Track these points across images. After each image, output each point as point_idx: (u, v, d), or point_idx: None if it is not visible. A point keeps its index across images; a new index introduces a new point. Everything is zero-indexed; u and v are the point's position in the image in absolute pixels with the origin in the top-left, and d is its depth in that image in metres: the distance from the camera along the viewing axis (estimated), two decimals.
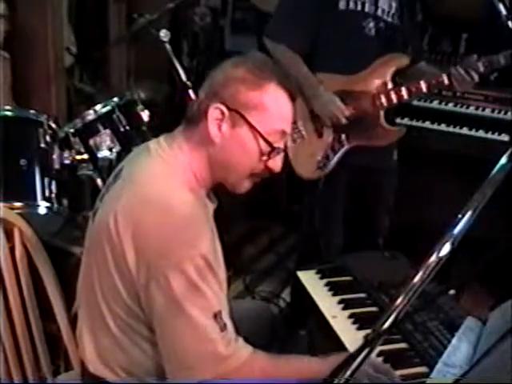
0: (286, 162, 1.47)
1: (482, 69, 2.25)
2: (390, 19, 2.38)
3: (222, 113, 1.37)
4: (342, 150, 2.40)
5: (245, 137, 1.38)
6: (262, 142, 1.38)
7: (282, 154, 1.44)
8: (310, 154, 2.39)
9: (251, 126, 1.37)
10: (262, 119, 1.38)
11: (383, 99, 2.34)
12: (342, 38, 2.35)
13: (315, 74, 2.36)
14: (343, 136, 2.39)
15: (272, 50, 2.38)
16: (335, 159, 2.40)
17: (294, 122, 2.32)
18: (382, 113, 2.36)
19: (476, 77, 2.25)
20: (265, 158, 1.40)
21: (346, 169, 2.44)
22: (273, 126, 1.39)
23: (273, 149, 1.39)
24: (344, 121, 2.34)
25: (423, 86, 2.31)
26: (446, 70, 2.31)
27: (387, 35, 2.38)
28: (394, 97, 2.33)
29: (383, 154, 2.51)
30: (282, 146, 1.42)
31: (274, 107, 1.39)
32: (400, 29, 2.42)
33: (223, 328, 1.31)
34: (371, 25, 2.35)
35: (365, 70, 2.36)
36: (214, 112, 1.37)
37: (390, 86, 2.36)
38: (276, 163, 1.43)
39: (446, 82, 2.29)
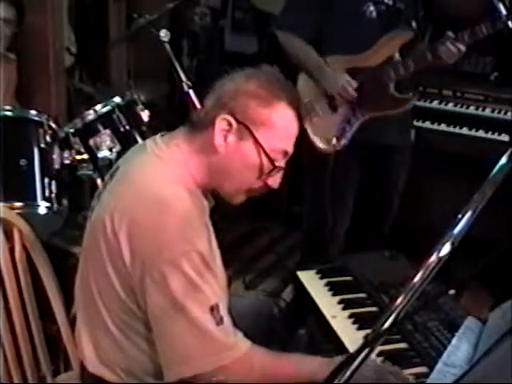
0: (285, 173, 1.47)
1: (467, 39, 2.29)
2: (391, 2, 2.45)
3: (230, 124, 1.37)
4: (358, 122, 2.46)
5: (249, 151, 1.39)
6: (264, 158, 1.39)
7: (281, 172, 1.44)
8: (327, 129, 2.47)
9: (257, 142, 1.38)
10: (269, 137, 1.38)
11: (391, 71, 2.40)
12: (344, 24, 2.42)
13: (324, 59, 2.45)
14: (357, 108, 2.45)
15: (282, 40, 2.50)
16: (352, 131, 2.46)
17: (310, 102, 2.47)
18: (391, 84, 2.42)
19: (463, 47, 2.29)
20: (264, 175, 1.41)
21: (362, 146, 2.49)
22: (277, 145, 1.40)
23: (274, 167, 1.40)
24: (353, 93, 2.41)
25: (428, 56, 2.34)
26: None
27: (389, 16, 2.44)
28: (401, 68, 2.39)
29: (400, 130, 2.57)
30: (282, 165, 1.43)
31: (281, 126, 1.40)
32: (401, 9, 2.47)
33: (219, 322, 1.31)
34: (372, 8, 2.42)
35: (372, 47, 2.42)
36: (222, 122, 1.37)
37: (397, 57, 2.42)
38: (275, 180, 1.44)
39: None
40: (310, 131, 2.47)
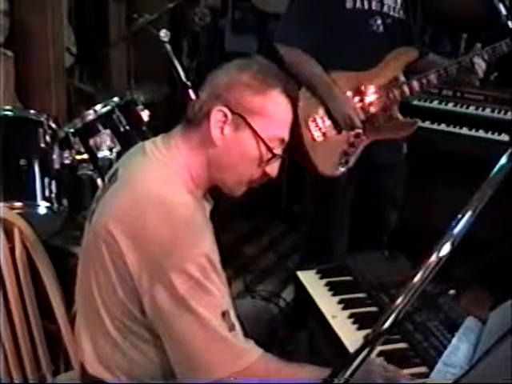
0: (283, 165, 1.48)
1: (486, 56, 2.29)
2: (396, 14, 2.43)
3: (225, 116, 1.37)
4: (361, 146, 2.41)
5: (246, 141, 1.38)
6: (262, 147, 1.39)
7: (279, 160, 1.45)
8: (330, 151, 2.40)
9: (253, 131, 1.37)
10: (265, 125, 1.38)
11: (396, 93, 2.37)
12: (352, 37, 2.37)
13: (328, 74, 2.37)
14: (361, 131, 2.40)
15: (284, 54, 2.39)
16: (355, 155, 2.42)
17: (314, 120, 2.36)
18: (395, 107, 2.40)
19: (481, 71, 2.28)
20: (264, 163, 1.41)
21: (355, 166, 2.44)
22: (274, 133, 1.41)
23: (273, 155, 1.40)
24: (359, 125, 2.35)
25: (433, 77, 2.34)
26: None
27: (396, 30, 2.42)
28: (406, 90, 2.36)
29: (393, 148, 2.54)
30: (280, 152, 1.44)
31: (276, 114, 1.40)
32: (406, 23, 2.46)
33: (232, 328, 1.30)
34: (379, 22, 2.39)
35: (376, 66, 2.38)
36: (217, 114, 1.37)
37: (402, 79, 2.39)
38: (273, 169, 1.44)
39: (454, 72, 2.32)
40: (312, 155, 2.36)
